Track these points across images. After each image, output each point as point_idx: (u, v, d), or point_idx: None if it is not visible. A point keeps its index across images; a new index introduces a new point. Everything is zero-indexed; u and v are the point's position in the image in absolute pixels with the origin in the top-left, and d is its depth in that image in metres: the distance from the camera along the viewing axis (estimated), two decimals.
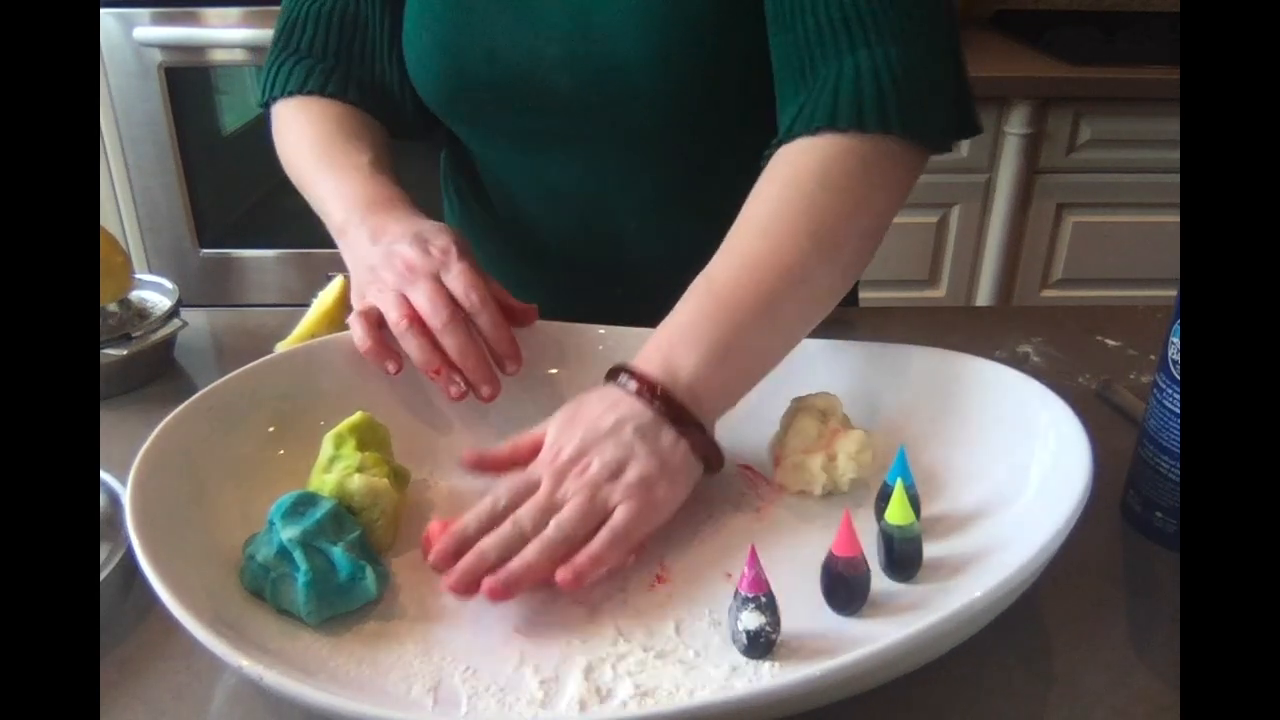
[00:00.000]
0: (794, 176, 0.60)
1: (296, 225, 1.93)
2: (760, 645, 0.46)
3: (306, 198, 0.74)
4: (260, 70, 0.82)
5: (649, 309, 0.78)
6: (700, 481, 0.55)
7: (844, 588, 0.49)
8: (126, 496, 0.49)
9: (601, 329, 0.67)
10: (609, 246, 0.79)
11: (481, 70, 0.72)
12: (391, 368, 0.61)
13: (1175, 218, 1.76)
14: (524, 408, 0.64)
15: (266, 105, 0.79)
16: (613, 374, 0.57)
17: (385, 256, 0.63)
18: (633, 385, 0.54)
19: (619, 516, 0.50)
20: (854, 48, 0.62)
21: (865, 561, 0.49)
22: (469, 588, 0.48)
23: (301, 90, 0.76)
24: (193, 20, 1.73)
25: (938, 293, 1.89)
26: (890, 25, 0.62)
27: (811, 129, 0.61)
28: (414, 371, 0.65)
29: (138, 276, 0.77)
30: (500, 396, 0.65)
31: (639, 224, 0.79)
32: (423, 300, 0.60)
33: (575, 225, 0.79)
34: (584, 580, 0.49)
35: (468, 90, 0.74)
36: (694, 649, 0.47)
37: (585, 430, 0.53)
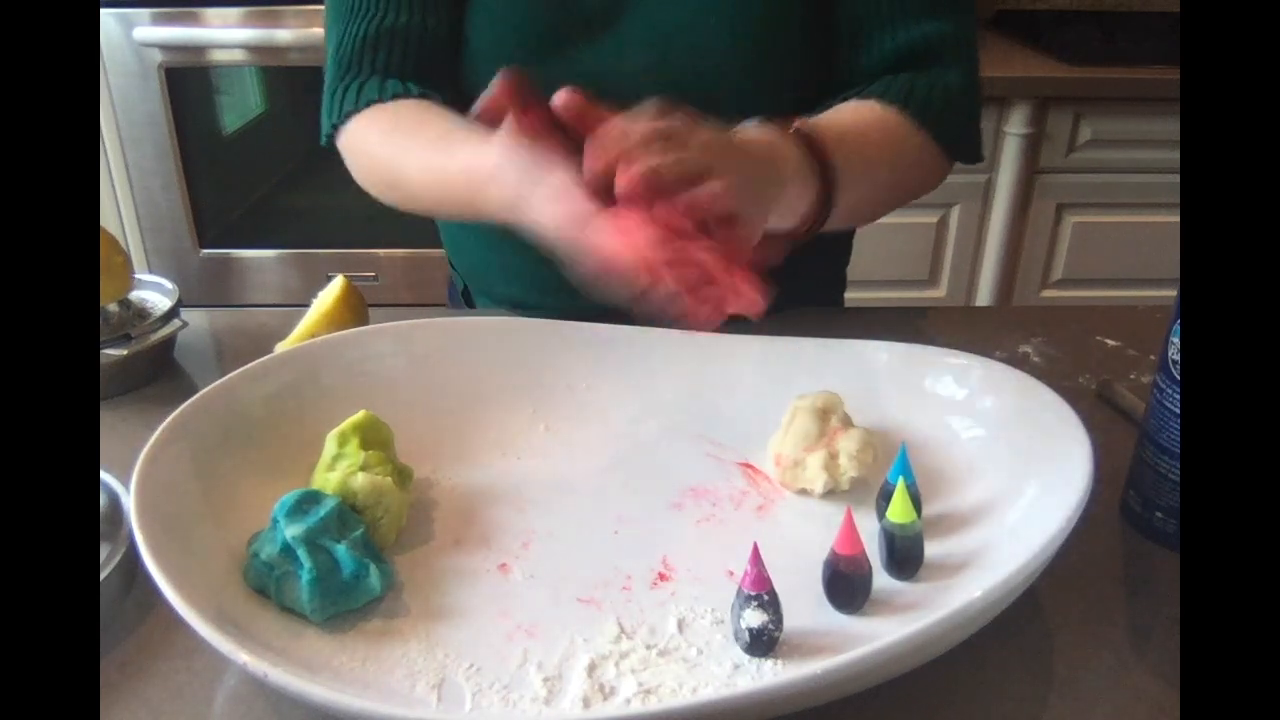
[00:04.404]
0: (891, 119, 0.71)
1: (296, 225, 1.94)
2: (763, 643, 0.46)
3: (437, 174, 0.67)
4: (326, 102, 0.77)
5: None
6: (701, 480, 0.55)
7: (845, 586, 0.49)
8: (130, 495, 0.49)
9: (606, 328, 0.67)
10: None
11: (558, 80, 0.72)
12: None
13: (1175, 218, 1.76)
14: (524, 407, 0.65)
15: (335, 128, 0.75)
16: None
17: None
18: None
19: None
20: (929, 68, 0.72)
21: (867, 560, 0.49)
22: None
23: (381, 98, 0.72)
24: (193, 20, 1.74)
25: (938, 293, 1.89)
26: (963, 52, 0.74)
27: (885, 100, 0.70)
28: (415, 371, 0.65)
29: (138, 276, 0.77)
30: (501, 396, 0.65)
31: None
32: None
33: None
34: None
35: None
36: (696, 647, 0.47)
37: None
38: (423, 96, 0.72)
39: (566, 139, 0.54)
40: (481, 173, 0.59)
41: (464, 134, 0.65)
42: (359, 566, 0.49)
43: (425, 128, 0.70)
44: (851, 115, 0.69)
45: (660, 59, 0.72)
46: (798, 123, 0.62)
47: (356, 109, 0.73)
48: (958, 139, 0.74)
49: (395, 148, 0.71)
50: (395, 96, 0.72)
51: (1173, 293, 0.55)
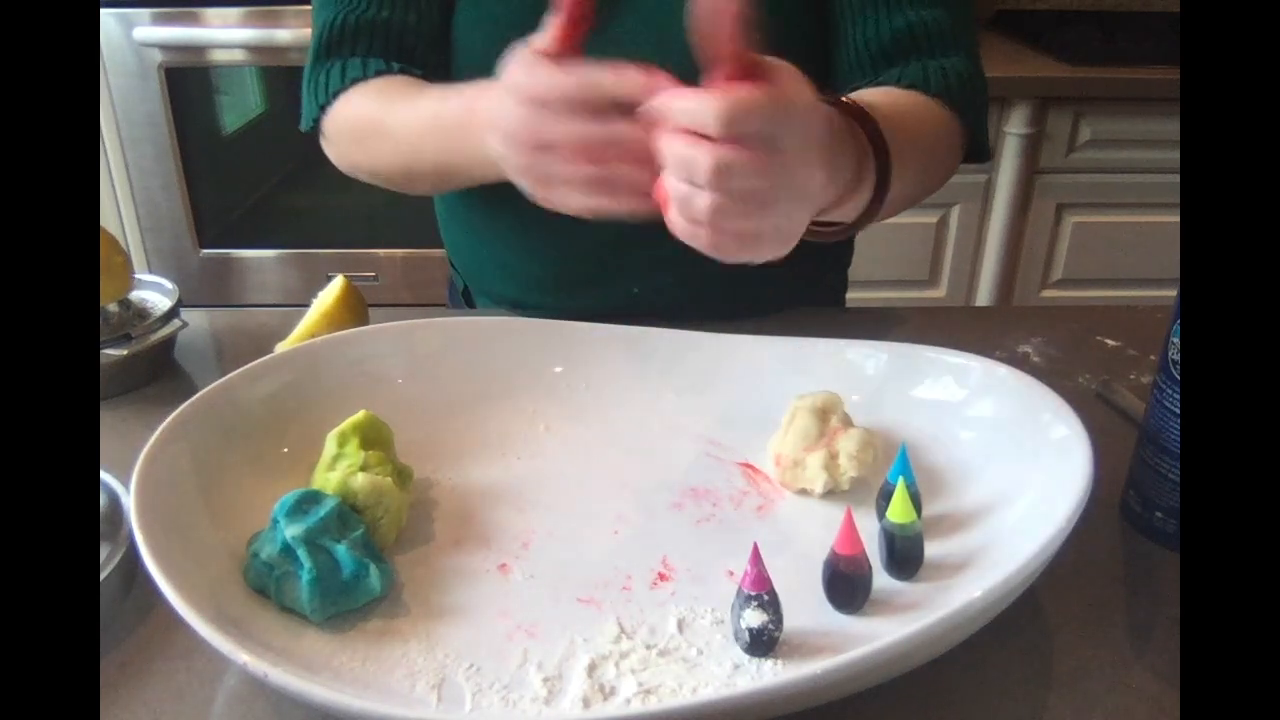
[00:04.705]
0: (920, 101, 0.69)
1: (296, 225, 1.94)
2: (763, 643, 0.46)
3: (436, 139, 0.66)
4: (307, 86, 0.77)
5: (664, 308, 0.78)
6: (701, 480, 0.55)
7: (845, 586, 0.49)
8: (130, 495, 0.49)
9: (606, 328, 0.67)
10: (633, 243, 0.79)
11: None
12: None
13: (1175, 218, 1.76)
14: (524, 407, 0.65)
15: (323, 109, 0.75)
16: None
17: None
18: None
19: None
20: (935, 54, 0.72)
21: (867, 560, 0.49)
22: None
23: (365, 75, 0.72)
24: (193, 20, 1.74)
25: (938, 293, 1.89)
26: (964, 39, 0.74)
27: (903, 85, 0.69)
28: (415, 370, 0.65)
29: (138, 276, 0.77)
30: (501, 396, 0.65)
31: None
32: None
33: (601, 219, 0.79)
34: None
35: None
36: (696, 647, 0.47)
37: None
38: (404, 73, 0.72)
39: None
40: (481, 98, 0.58)
41: (464, 87, 0.64)
42: (359, 566, 0.49)
43: (417, 86, 0.70)
44: (884, 96, 0.67)
45: (657, 56, 0.72)
46: (847, 98, 0.58)
47: (343, 86, 0.73)
48: (976, 123, 0.73)
49: (384, 101, 0.70)
50: (379, 74, 0.72)
51: (1173, 293, 0.55)
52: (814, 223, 0.61)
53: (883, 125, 0.57)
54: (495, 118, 0.53)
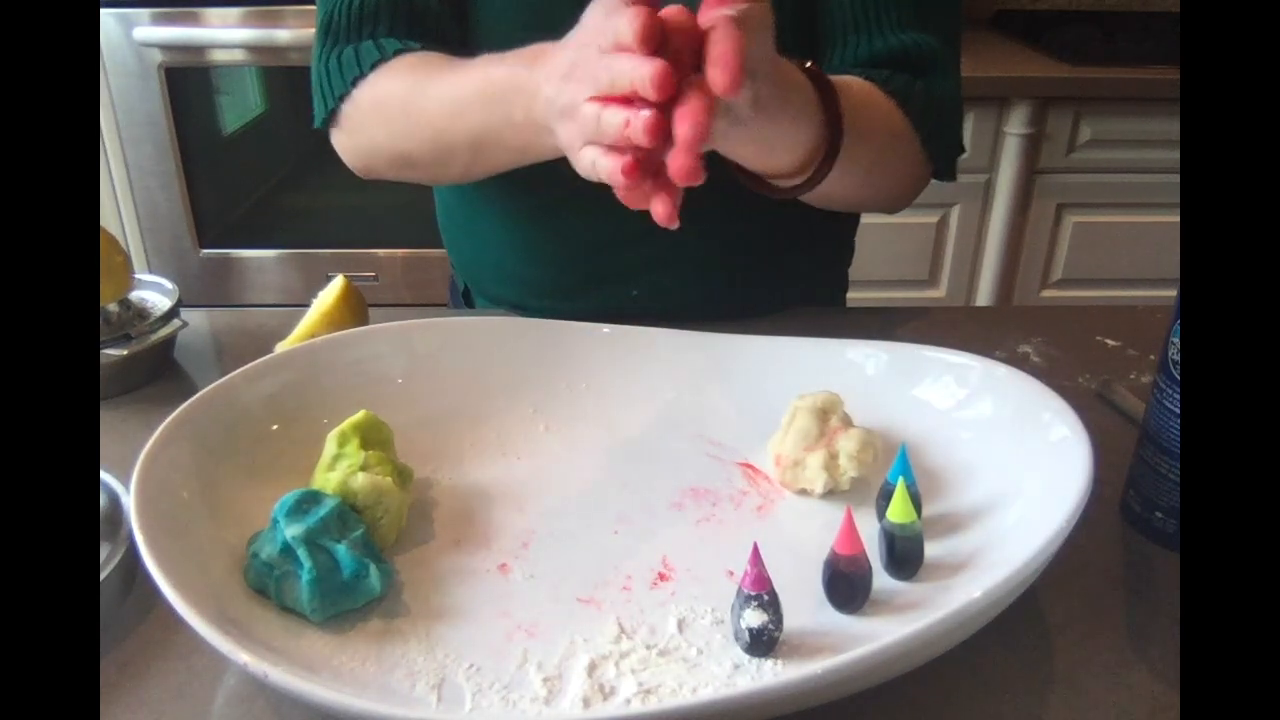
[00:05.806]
0: (890, 104, 0.69)
1: (296, 225, 1.94)
2: (763, 643, 0.46)
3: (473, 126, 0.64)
4: (318, 78, 0.74)
5: (663, 309, 0.77)
6: (701, 480, 0.55)
7: (846, 586, 0.49)
8: (131, 495, 0.49)
9: (607, 328, 0.67)
10: (632, 247, 0.79)
11: None
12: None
13: (1175, 218, 1.76)
14: (524, 407, 0.65)
15: (340, 98, 0.72)
16: None
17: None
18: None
19: None
20: (923, 73, 0.71)
21: (867, 560, 0.49)
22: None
23: (384, 57, 0.69)
24: (193, 20, 1.74)
25: (938, 293, 1.89)
26: (949, 61, 0.72)
27: (884, 88, 0.69)
28: (415, 370, 0.65)
29: (138, 276, 0.77)
30: (501, 396, 0.65)
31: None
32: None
33: (600, 222, 0.78)
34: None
35: None
36: (696, 647, 0.47)
37: None
38: (426, 50, 0.70)
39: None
40: (536, 55, 0.56)
41: (513, 52, 0.61)
42: (359, 566, 0.49)
43: (450, 59, 0.67)
44: (859, 86, 0.68)
45: None
46: (811, 64, 0.60)
47: (361, 73, 0.70)
48: (942, 148, 0.73)
49: (417, 76, 0.68)
50: (398, 53, 0.70)
51: (1173, 293, 0.55)
52: (766, 180, 0.62)
53: (842, 95, 0.59)
54: (559, 63, 0.51)
